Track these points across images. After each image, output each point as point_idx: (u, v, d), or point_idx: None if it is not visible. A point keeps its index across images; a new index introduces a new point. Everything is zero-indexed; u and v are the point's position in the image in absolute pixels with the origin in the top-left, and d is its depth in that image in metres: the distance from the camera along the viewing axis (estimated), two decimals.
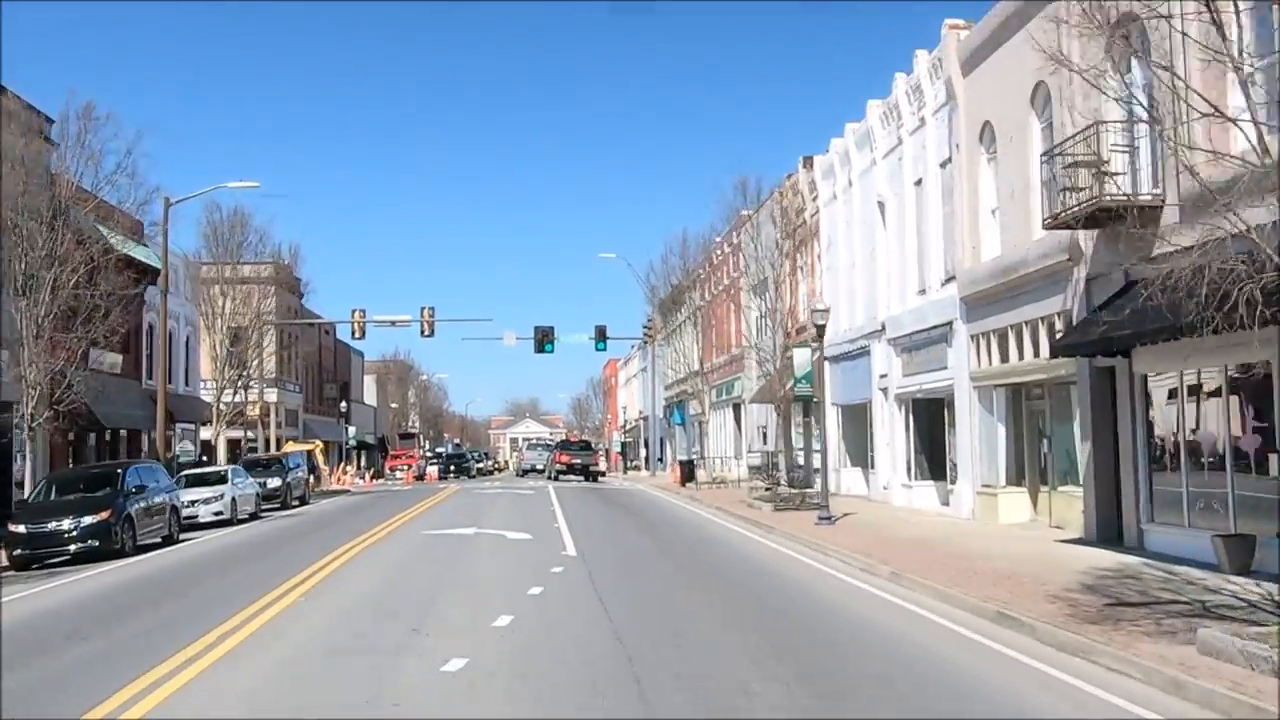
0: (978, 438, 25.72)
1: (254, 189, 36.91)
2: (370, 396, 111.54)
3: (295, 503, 40.22)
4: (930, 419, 30.01)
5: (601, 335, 63.45)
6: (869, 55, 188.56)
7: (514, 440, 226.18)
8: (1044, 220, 19.84)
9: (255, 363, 45.65)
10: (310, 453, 69.27)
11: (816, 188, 39.19)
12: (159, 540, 25.68)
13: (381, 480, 75.63)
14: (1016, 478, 24.89)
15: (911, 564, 17.86)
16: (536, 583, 16.07)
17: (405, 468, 75.68)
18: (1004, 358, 24.27)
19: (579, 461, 63.93)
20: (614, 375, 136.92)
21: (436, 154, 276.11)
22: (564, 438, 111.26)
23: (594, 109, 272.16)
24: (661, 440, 79.22)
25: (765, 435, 49.63)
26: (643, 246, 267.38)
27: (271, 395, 68.13)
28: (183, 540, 26.70)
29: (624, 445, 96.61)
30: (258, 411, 54.18)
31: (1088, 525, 20.50)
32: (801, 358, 28.37)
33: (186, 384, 51.37)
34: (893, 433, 31.83)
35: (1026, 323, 23.00)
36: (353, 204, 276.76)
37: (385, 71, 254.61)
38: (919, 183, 29.67)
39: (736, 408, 57.23)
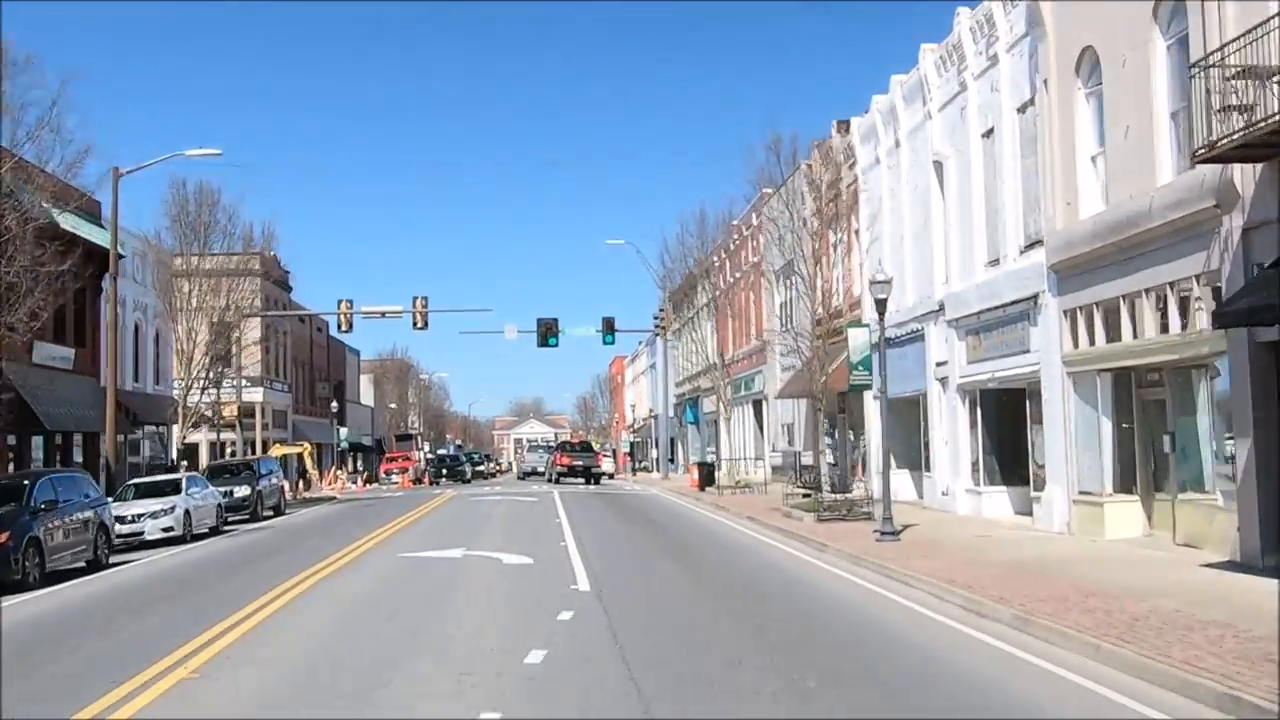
0: (1073, 435, 21.17)
1: (215, 158, 32.32)
2: (367, 396, 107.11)
3: (269, 513, 35.75)
4: (1004, 413, 25.48)
5: (609, 328, 58.93)
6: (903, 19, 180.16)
7: (518, 441, 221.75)
8: (1196, 153, 15.27)
9: (230, 358, 40.97)
10: (299, 456, 65.03)
11: (855, 153, 34.63)
12: (83, 565, 21.25)
13: (376, 485, 71.16)
14: (1125, 483, 20.34)
15: (1033, 602, 13.35)
16: (537, 641, 11.53)
17: (401, 471, 71.22)
18: (1112, 336, 19.71)
19: (580, 463, 60.14)
20: (620, 373, 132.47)
21: (429, 132, 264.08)
22: (565, 439, 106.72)
23: (604, 81, 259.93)
24: (672, 440, 74.73)
25: (791, 434, 45.12)
26: (654, 233, 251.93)
27: (256, 394, 63.76)
28: (116, 564, 22.26)
29: (633, 445, 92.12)
30: (236, 412, 49.48)
31: (1244, 545, 15.95)
32: (858, 339, 23.87)
33: (157, 382, 46.92)
34: (954, 429, 27.29)
35: (1147, 290, 18.45)
36: (339, 189, 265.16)
37: (371, 39, 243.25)
38: (989, 134, 25.13)
39: (757, 404, 52.71)
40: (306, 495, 49.81)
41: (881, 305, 21.86)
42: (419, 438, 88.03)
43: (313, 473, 64.00)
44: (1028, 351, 22.91)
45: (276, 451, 62.64)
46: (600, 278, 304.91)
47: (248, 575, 18.71)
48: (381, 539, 24.54)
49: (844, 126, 36.00)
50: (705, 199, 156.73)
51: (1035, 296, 22.31)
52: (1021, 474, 25.15)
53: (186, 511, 27.21)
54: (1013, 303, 23.37)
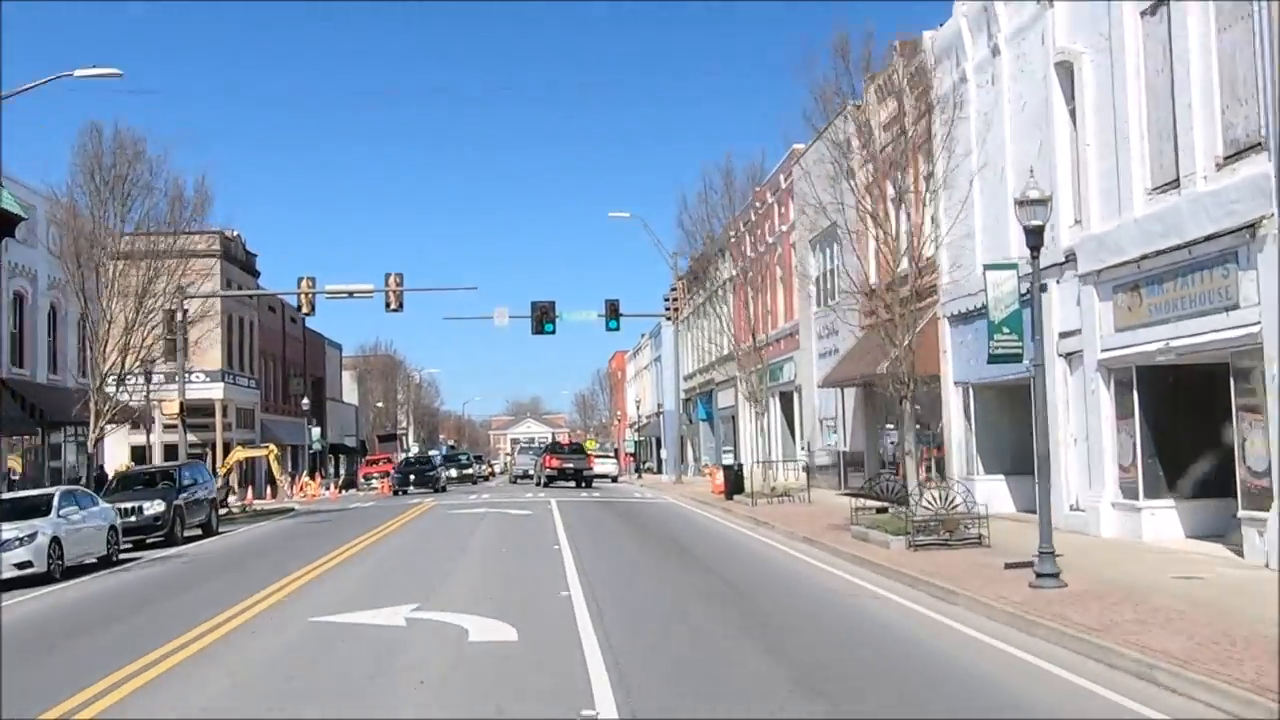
0: None
1: (116, 78, 25.12)
2: (351, 394, 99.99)
3: (195, 532, 28.66)
4: (1177, 398, 18.41)
5: (613, 312, 51.79)
6: None
7: (515, 441, 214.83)
8: None
9: (151, 345, 33.88)
10: (265, 459, 57.98)
11: (928, 76, 27.49)
12: None
13: (354, 490, 63.95)
14: None
15: None
16: None
17: (383, 476, 64.03)
18: None
19: (570, 466, 55.08)
20: (621, 368, 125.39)
21: (407, 93, 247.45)
22: (553, 439, 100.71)
23: (603, 28, 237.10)
24: (681, 439, 67.74)
25: (838, 428, 38.02)
26: (663, 207, 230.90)
27: (215, 390, 56.66)
28: None
29: (636, 445, 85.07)
30: (179, 410, 42.36)
31: None
32: (1002, 288, 16.63)
33: (83, 375, 39.76)
34: (1092, 422, 20.19)
35: None
36: (313, 166, 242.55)
37: None
38: (1152, 11, 18.04)
39: (786, 396, 45.62)
40: (257, 507, 42.59)
41: (1036, 236, 14.71)
42: (404, 438, 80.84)
43: (280, 479, 56.90)
44: (1233, 308, 15.83)
45: (239, 455, 55.61)
46: (602, 260, 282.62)
47: (49, 664, 11.58)
48: (308, 580, 17.42)
49: (909, 46, 28.86)
50: (732, 147, 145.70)
51: (1252, 226, 15.22)
52: (1203, 484, 18.09)
53: (54, 540, 20.07)
54: (1206, 239, 16.27)
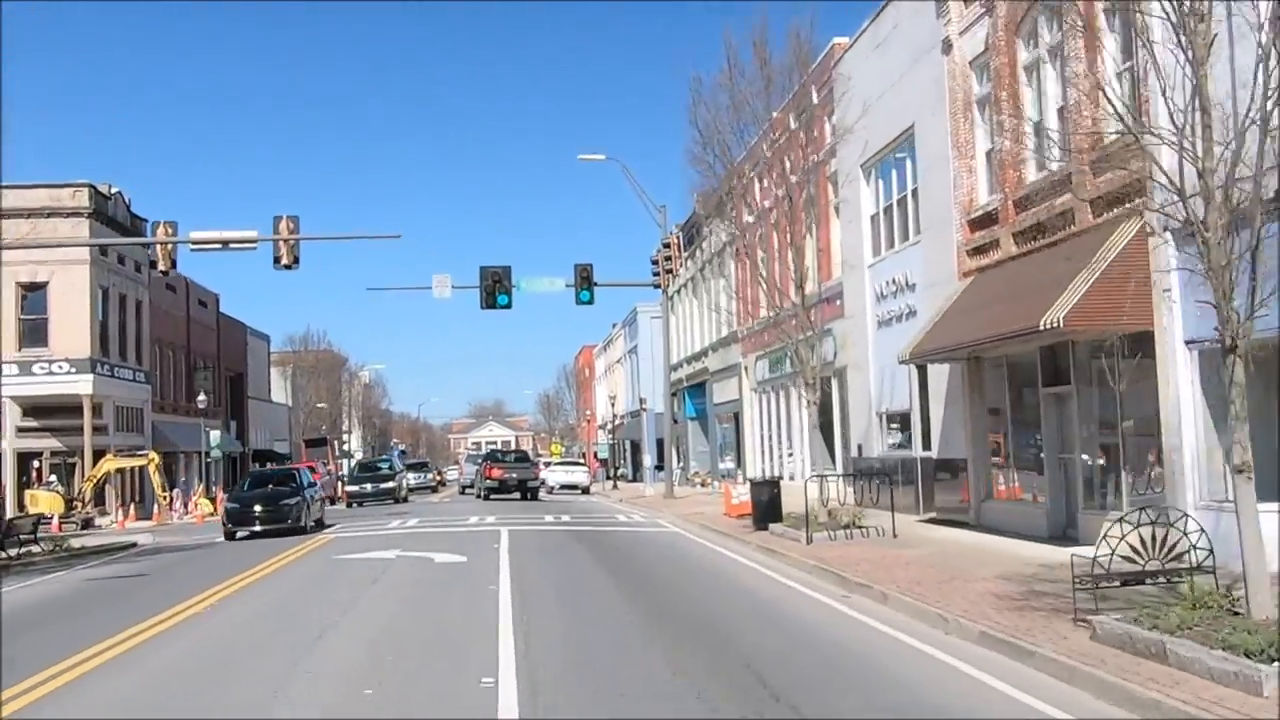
0: None
1: None
2: (282, 393, 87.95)
3: None
4: None
5: (586, 280, 40.37)
6: None
7: (476, 445, 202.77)
8: None
9: None
10: (147, 470, 46.17)
11: None
12: None
13: None
14: None
15: None
16: None
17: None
18: None
19: (514, 476, 48.56)
20: (590, 365, 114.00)
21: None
22: (498, 447, 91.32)
23: None
24: (660, 442, 56.47)
25: (902, 427, 26.87)
26: (647, 154, 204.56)
27: (83, 384, 44.79)
28: None
29: (611, 449, 73.68)
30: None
31: None
32: None
33: None
34: None
35: None
36: (215, 112, 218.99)
37: None
38: None
39: (824, 384, 34.29)
40: (82, 542, 30.55)
41: None
42: (336, 443, 69.10)
43: (161, 495, 45.07)
44: None
45: (109, 465, 43.77)
46: (570, 223, 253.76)
47: None
48: None
49: None
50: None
51: None
52: None
53: None
54: None
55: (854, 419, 30.24)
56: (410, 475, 60.28)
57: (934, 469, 24.42)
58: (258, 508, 30.03)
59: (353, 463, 78.54)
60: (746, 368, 43.00)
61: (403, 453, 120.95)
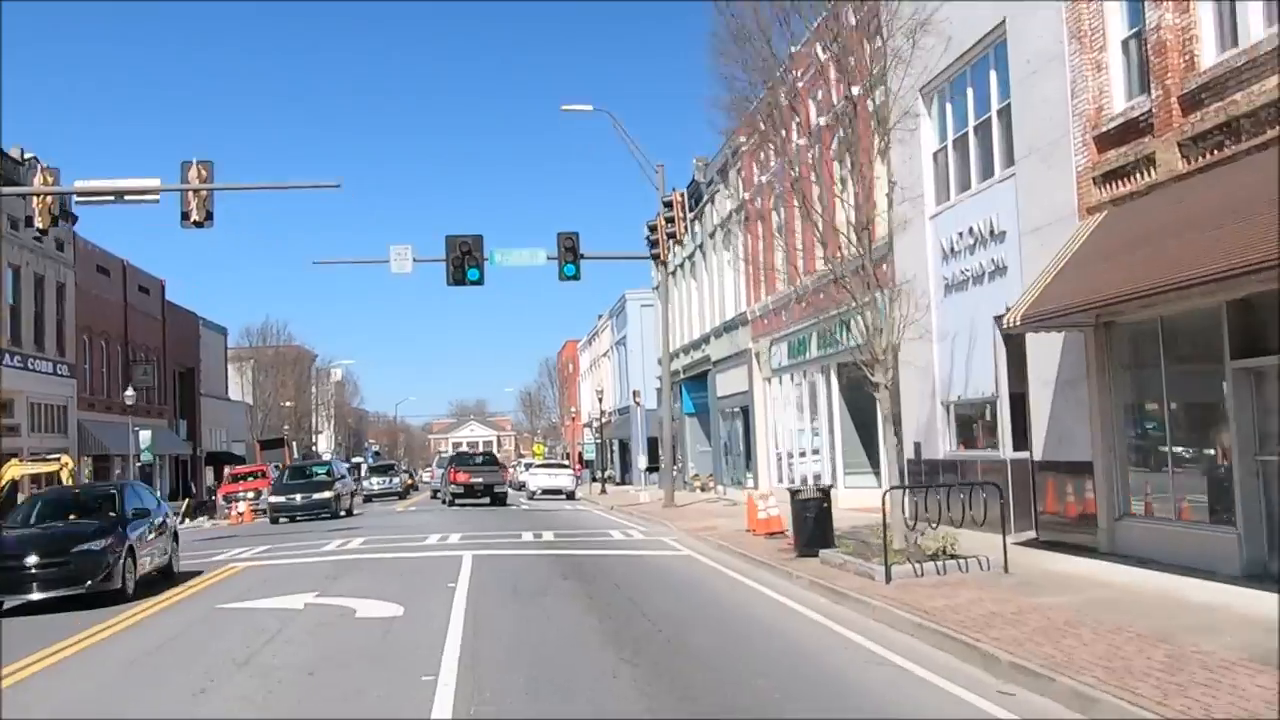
0: None
1: None
2: (241, 390, 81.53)
3: None
4: None
5: (570, 251, 34.38)
6: None
7: (456, 446, 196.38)
8: None
9: None
10: (58, 476, 39.79)
11: None
12: None
13: (201, 520, 45.61)
14: None
15: None
16: None
17: (252, 494, 46.02)
18: None
19: (480, 481, 45.70)
20: (574, 359, 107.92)
21: None
22: (459, 451, 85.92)
23: None
24: (654, 441, 50.41)
25: (988, 418, 20.81)
26: (645, 112, 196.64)
27: None
28: None
29: (599, 448, 67.55)
30: None
31: None
32: None
33: None
34: None
35: None
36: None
37: None
38: None
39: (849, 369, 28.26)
40: None
41: None
42: (290, 446, 62.79)
43: None
44: None
45: (12, 471, 37.35)
46: (552, 189, 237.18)
47: None
48: None
49: None
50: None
51: None
52: None
53: None
54: None
55: (908, 411, 24.23)
56: (374, 480, 54.00)
57: (1035, 475, 18.43)
58: (31, 560, 16.12)
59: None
60: (758, 354, 37.02)
61: (376, 454, 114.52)
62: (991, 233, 19.81)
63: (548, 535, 25.76)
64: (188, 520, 45.45)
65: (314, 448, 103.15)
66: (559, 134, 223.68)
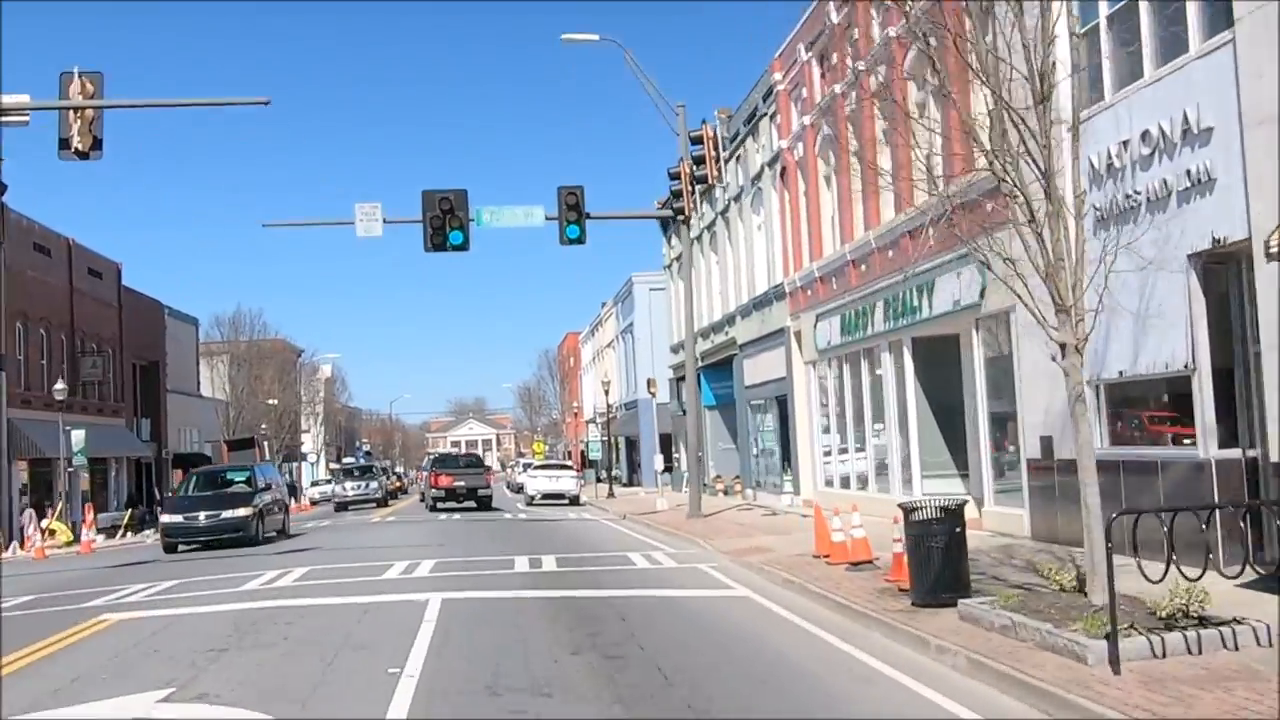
0: None
1: None
2: (222, 388, 75.42)
3: None
4: None
5: (574, 209, 28.40)
6: None
7: (455, 445, 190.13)
8: None
9: None
10: None
11: None
12: None
13: (145, 534, 39.37)
14: None
15: None
16: None
17: None
18: None
19: (463, 485, 43.54)
20: (575, 352, 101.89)
21: None
22: (444, 451, 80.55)
23: None
24: (667, 439, 44.27)
25: (1159, 398, 14.69)
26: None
27: None
28: None
29: (605, 447, 61.38)
30: None
31: None
32: None
33: None
34: None
35: None
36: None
37: None
38: None
39: (941, 344, 22.05)
40: None
41: None
42: (261, 446, 56.80)
43: None
44: None
45: None
46: (553, 140, 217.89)
47: None
48: None
49: None
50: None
51: None
52: None
53: None
54: None
55: (1030, 395, 18.14)
56: (348, 485, 47.79)
57: (1267, 482, 12.36)
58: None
59: (287, 471, 65.60)
60: (798, 333, 30.98)
61: (368, 454, 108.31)
62: (1185, 133, 13.72)
63: (548, 562, 19.67)
64: (129, 534, 39.33)
65: (302, 449, 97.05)
66: (558, 76, 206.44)
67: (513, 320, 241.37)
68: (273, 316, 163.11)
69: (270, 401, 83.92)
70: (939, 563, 12.48)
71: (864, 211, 25.57)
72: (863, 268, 25.66)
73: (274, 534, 30.42)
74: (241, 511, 28.28)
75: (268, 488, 31.04)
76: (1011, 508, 19.31)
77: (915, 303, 22.42)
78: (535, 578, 17.30)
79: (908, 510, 13.14)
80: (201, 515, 28.17)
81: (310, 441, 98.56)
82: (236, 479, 31.15)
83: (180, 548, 28.08)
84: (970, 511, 22.35)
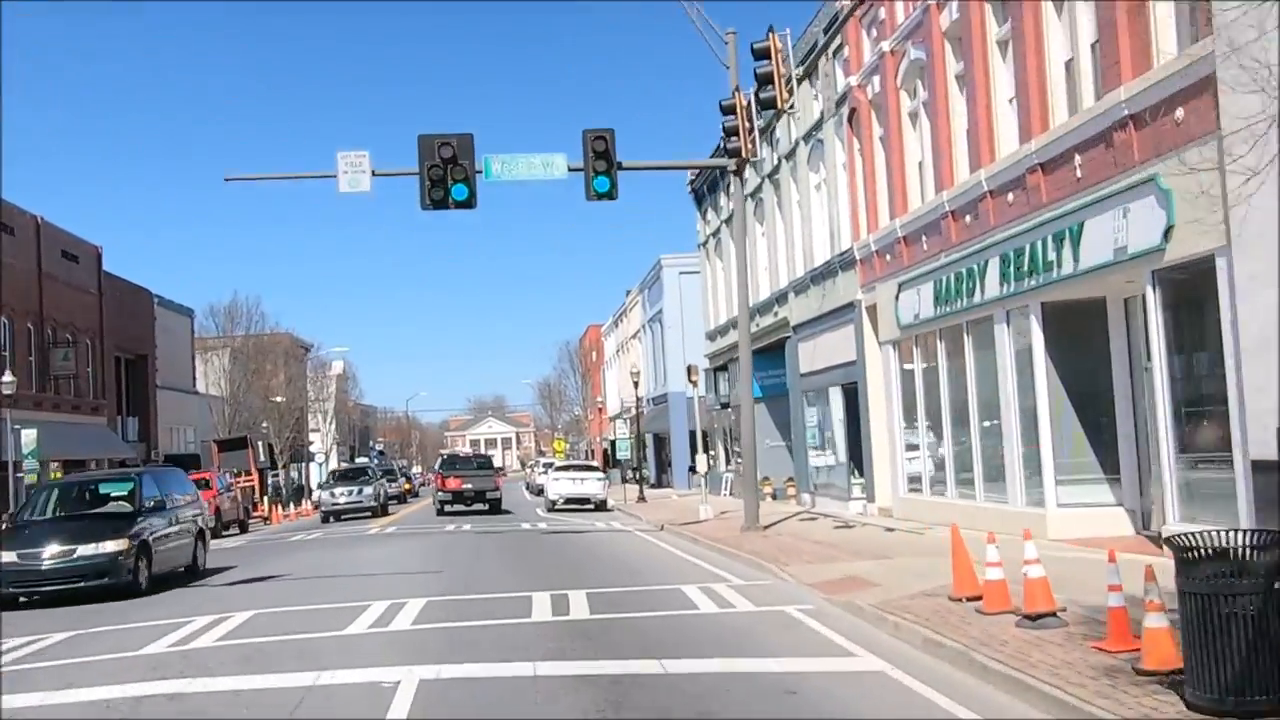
0: None
1: None
2: (210, 383, 70.57)
3: None
4: None
5: (603, 157, 23.20)
6: None
7: (474, 444, 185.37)
8: None
9: None
10: None
11: None
12: None
13: None
14: None
15: None
16: None
17: None
18: None
19: (470, 487, 41.05)
20: (598, 345, 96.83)
21: None
22: (454, 451, 76.07)
23: None
24: (702, 435, 39.20)
25: None
26: None
27: None
28: None
29: (634, 445, 56.19)
30: None
31: None
32: None
33: None
34: None
35: None
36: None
37: None
38: None
39: (1093, 314, 16.82)
40: None
41: None
42: (256, 446, 51.93)
43: None
44: None
45: None
46: (575, 80, 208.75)
47: None
48: None
49: None
50: None
51: None
52: None
53: None
54: None
55: (1253, 372, 12.91)
56: (338, 491, 42.50)
57: None
58: None
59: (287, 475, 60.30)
60: (872, 307, 25.76)
61: (380, 454, 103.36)
62: None
63: (577, 601, 14.49)
64: None
65: (311, 448, 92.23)
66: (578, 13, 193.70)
67: (532, 315, 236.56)
68: (279, 313, 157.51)
69: (276, 399, 79.13)
70: (1243, 646, 7.26)
71: (970, 149, 20.34)
72: (967, 219, 20.41)
73: (181, 569, 20.82)
74: (110, 547, 18.08)
75: (160, 507, 20.32)
76: (1211, 526, 14.06)
77: (1050, 255, 17.17)
78: (560, 633, 12.14)
79: (1180, 550, 7.93)
80: (45, 553, 18.00)
81: (319, 441, 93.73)
82: (114, 493, 20.69)
83: (22, 600, 18.06)
84: (1121, 527, 17.00)
